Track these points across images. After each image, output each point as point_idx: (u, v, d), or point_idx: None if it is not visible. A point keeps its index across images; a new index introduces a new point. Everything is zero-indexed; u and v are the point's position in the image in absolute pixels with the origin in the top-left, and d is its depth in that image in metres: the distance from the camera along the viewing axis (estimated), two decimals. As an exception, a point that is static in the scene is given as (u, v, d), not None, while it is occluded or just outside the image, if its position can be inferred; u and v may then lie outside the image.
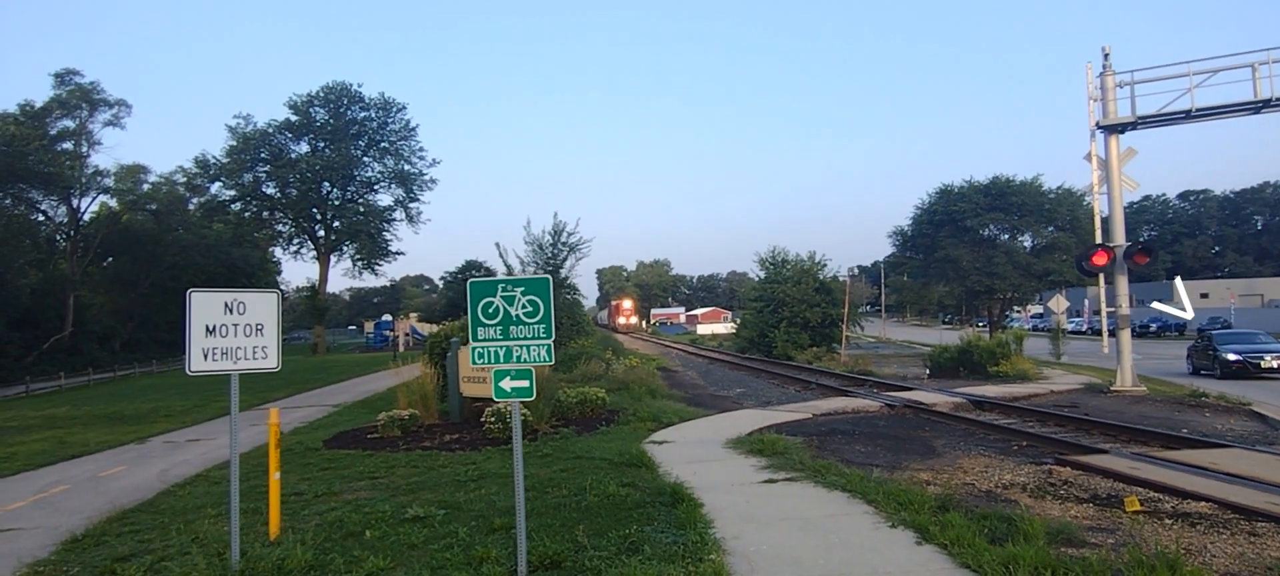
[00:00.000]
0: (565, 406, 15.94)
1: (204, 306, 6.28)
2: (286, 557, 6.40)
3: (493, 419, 13.96)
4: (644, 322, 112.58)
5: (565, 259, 26.34)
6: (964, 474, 9.13)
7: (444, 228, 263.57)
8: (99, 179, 56.08)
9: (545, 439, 13.22)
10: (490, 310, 5.89)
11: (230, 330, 6.32)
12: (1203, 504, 6.94)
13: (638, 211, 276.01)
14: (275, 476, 7.91)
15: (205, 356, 6.29)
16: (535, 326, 5.84)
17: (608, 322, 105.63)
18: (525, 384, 5.85)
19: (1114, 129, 17.73)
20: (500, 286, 5.91)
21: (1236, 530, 6.26)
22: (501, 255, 27.48)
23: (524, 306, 5.85)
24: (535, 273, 26.55)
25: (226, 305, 6.33)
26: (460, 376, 16.94)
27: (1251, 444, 10.51)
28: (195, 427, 19.86)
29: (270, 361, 6.55)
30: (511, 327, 5.86)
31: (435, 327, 37.33)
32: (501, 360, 5.88)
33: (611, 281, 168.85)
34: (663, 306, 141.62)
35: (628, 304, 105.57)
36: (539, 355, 5.85)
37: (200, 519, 8.89)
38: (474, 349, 5.94)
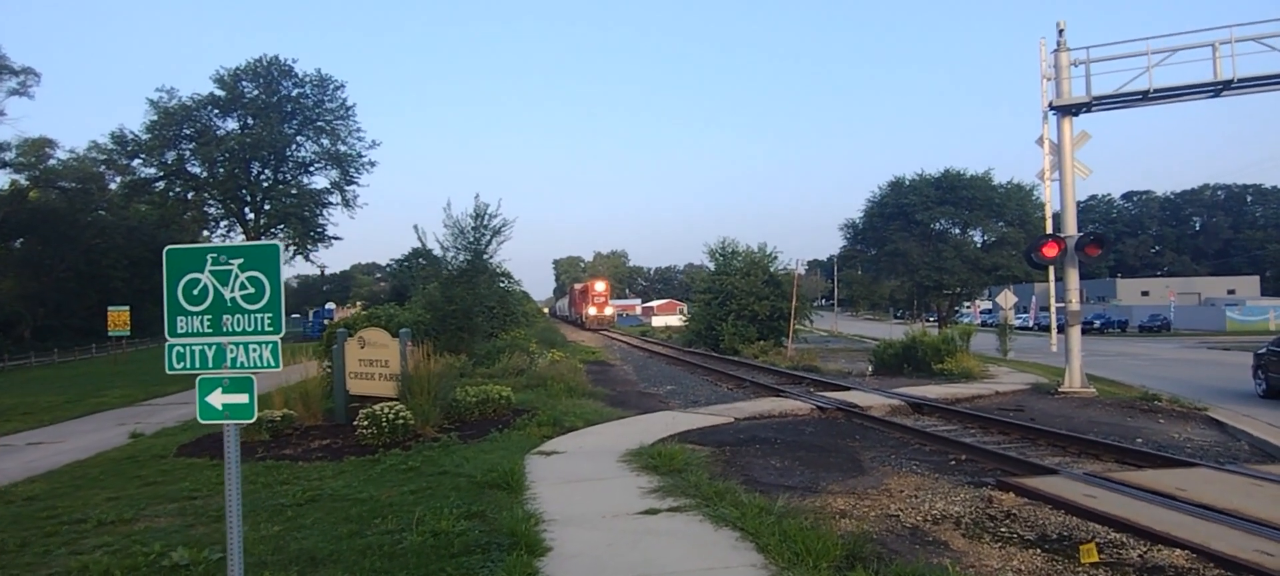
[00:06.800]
0: (463, 407, 14.08)
1: None
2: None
3: (365, 422, 12.02)
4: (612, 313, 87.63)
5: (489, 242, 24.29)
6: (889, 499, 7.56)
7: (399, 215, 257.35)
8: (-2, 153, 51.78)
9: (422, 446, 11.34)
10: (195, 291, 4.03)
11: None
12: (1177, 552, 5.46)
13: (595, 202, 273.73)
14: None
15: None
16: (256, 315, 4.00)
17: (570, 314, 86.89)
18: (244, 399, 4.01)
19: (1068, 110, 16.51)
20: (210, 256, 4.06)
21: (1224, 595, 4.76)
22: (421, 238, 25.34)
23: (242, 286, 4.01)
24: (455, 258, 24.52)
25: None
26: (346, 372, 15.02)
27: (1219, 461, 9.21)
28: (49, 428, 17.45)
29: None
30: (225, 317, 4.02)
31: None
32: (211, 364, 4.04)
33: (568, 271, 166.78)
34: (619, 298, 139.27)
35: (600, 287, 77.80)
36: (262, 357, 4.02)
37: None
38: (170, 347, 4.08)
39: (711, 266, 39.12)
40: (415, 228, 28.40)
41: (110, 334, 37.23)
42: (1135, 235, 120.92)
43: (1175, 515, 6.29)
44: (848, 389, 17.69)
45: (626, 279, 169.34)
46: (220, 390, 4.00)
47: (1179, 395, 15.46)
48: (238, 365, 4.02)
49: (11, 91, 53.53)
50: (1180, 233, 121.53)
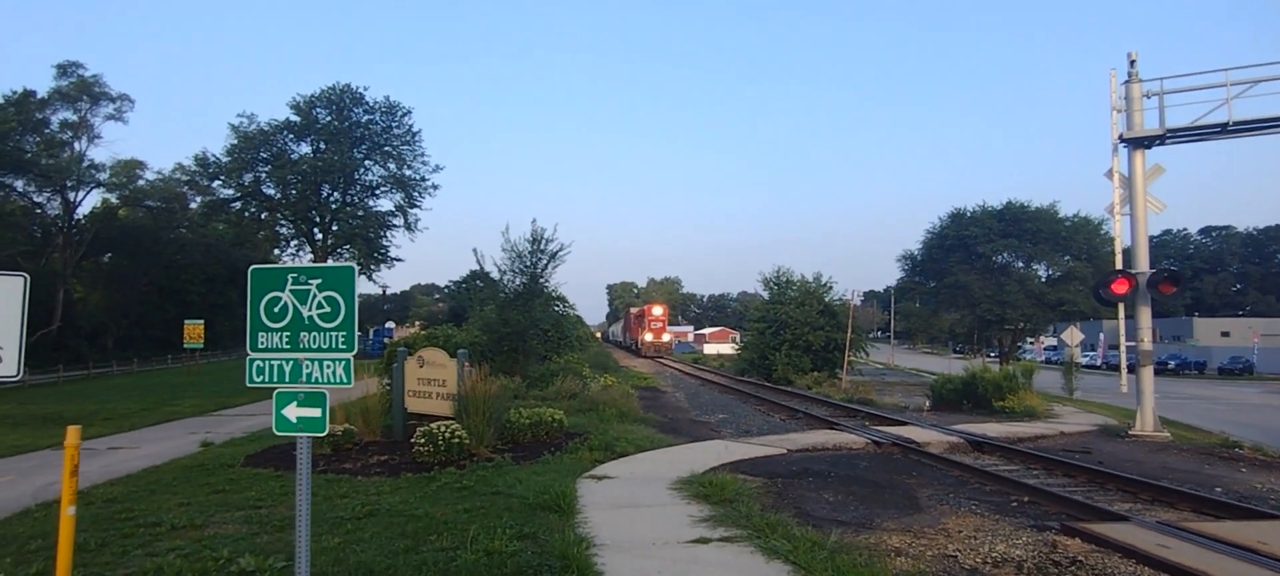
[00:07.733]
0: (516, 428, 14.28)
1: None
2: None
3: (422, 440, 12.32)
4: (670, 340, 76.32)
5: (545, 266, 24.71)
6: (947, 539, 7.37)
7: (459, 237, 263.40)
8: (93, 173, 55.18)
9: (476, 466, 11.55)
10: (276, 309, 4.28)
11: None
12: (1258, 610, 5.18)
13: (650, 228, 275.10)
14: (68, 512, 6.29)
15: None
16: (332, 334, 4.22)
17: (624, 338, 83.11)
18: (317, 413, 4.23)
19: (1139, 143, 15.96)
20: (290, 276, 4.31)
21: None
22: (479, 260, 25.96)
23: (319, 305, 4.24)
24: (512, 280, 24.99)
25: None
26: (405, 390, 15.43)
27: (1305, 514, 8.68)
28: (128, 434, 18.37)
29: (7, 368, 4.95)
30: (303, 334, 4.25)
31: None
32: (287, 378, 4.27)
33: (622, 296, 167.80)
34: (672, 324, 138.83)
35: (657, 311, 70.46)
36: (335, 374, 4.23)
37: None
38: (252, 361, 4.33)
39: (765, 295, 38.93)
40: (474, 250, 29.01)
41: (185, 346, 39.09)
42: (1214, 272, 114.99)
43: (1255, 569, 5.97)
44: (904, 424, 17.28)
45: (680, 305, 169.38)
46: (295, 404, 4.23)
47: (1262, 443, 14.62)
48: (312, 380, 4.24)
49: (108, 116, 57.35)
50: (1264, 270, 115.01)
